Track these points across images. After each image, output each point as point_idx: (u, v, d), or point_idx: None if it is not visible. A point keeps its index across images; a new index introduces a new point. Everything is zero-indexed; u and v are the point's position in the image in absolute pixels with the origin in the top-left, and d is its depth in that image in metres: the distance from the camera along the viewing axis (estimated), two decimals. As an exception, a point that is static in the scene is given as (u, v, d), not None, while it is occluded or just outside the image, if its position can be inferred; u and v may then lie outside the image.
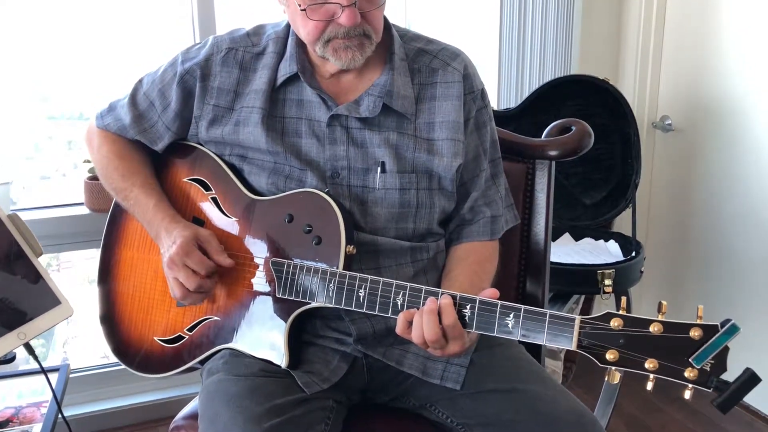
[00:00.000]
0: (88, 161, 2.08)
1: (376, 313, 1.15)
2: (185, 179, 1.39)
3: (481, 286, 1.24)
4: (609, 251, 2.32)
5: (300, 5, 1.21)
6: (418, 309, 1.12)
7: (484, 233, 1.37)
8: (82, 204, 2.21)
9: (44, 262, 2.52)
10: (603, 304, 2.42)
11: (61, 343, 2.77)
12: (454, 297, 1.10)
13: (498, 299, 1.09)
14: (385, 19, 1.34)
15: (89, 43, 2.32)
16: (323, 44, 1.24)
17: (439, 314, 1.10)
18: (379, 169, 1.28)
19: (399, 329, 1.13)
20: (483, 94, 1.38)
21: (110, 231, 1.47)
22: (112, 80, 2.29)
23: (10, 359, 1.62)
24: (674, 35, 2.61)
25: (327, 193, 1.23)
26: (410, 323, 1.12)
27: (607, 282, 2.08)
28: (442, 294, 1.11)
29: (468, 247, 1.37)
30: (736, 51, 2.37)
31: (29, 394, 1.73)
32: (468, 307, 1.10)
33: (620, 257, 2.27)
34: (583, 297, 2.42)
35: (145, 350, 1.39)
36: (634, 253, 2.24)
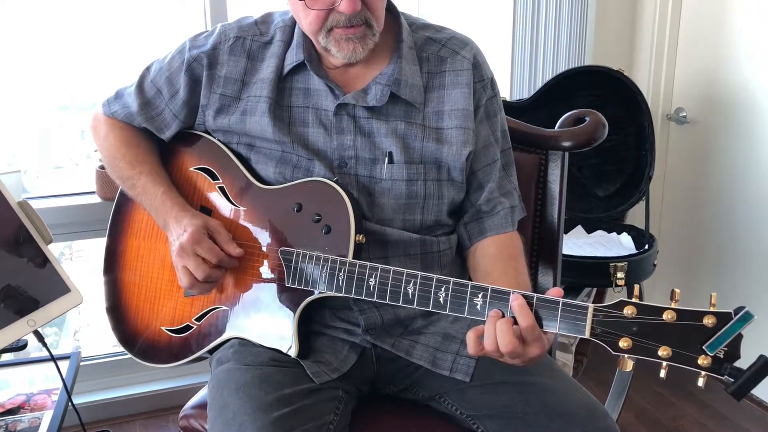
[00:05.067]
0: (100, 150, 2.08)
1: (387, 301, 1.14)
2: (192, 168, 1.38)
3: (527, 284, 1.24)
4: (622, 244, 2.30)
5: None
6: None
7: (507, 224, 1.34)
8: (93, 193, 2.21)
9: (57, 250, 2.55)
10: (615, 297, 2.40)
11: (73, 331, 2.78)
12: (528, 298, 1.04)
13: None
14: (394, 7, 1.33)
15: (100, 33, 2.32)
16: (325, 34, 1.23)
17: (513, 317, 1.04)
18: (386, 159, 1.27)
19: (472, 350, 1.07)
20: (493, 83, 1.37)
21: (116, 221, 1.47)
22: (123, 69, 2.29)
23: (21, 346, 1.63)
24: (690, 26, 2.57)
25: (336, 182, 1.22)
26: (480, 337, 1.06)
27: (620, 275, 2.06)
28: (512, 293, 1.05)
29: (497, 242, 1.33)
30: (752, 43, 2.33)
31: (41, 381, 1.74)
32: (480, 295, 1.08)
33: (633, 250, 2.25)
34: (594, 290, 2.41)
35: (152, 340, 1.38)
36: (647, 246, 2.22)
